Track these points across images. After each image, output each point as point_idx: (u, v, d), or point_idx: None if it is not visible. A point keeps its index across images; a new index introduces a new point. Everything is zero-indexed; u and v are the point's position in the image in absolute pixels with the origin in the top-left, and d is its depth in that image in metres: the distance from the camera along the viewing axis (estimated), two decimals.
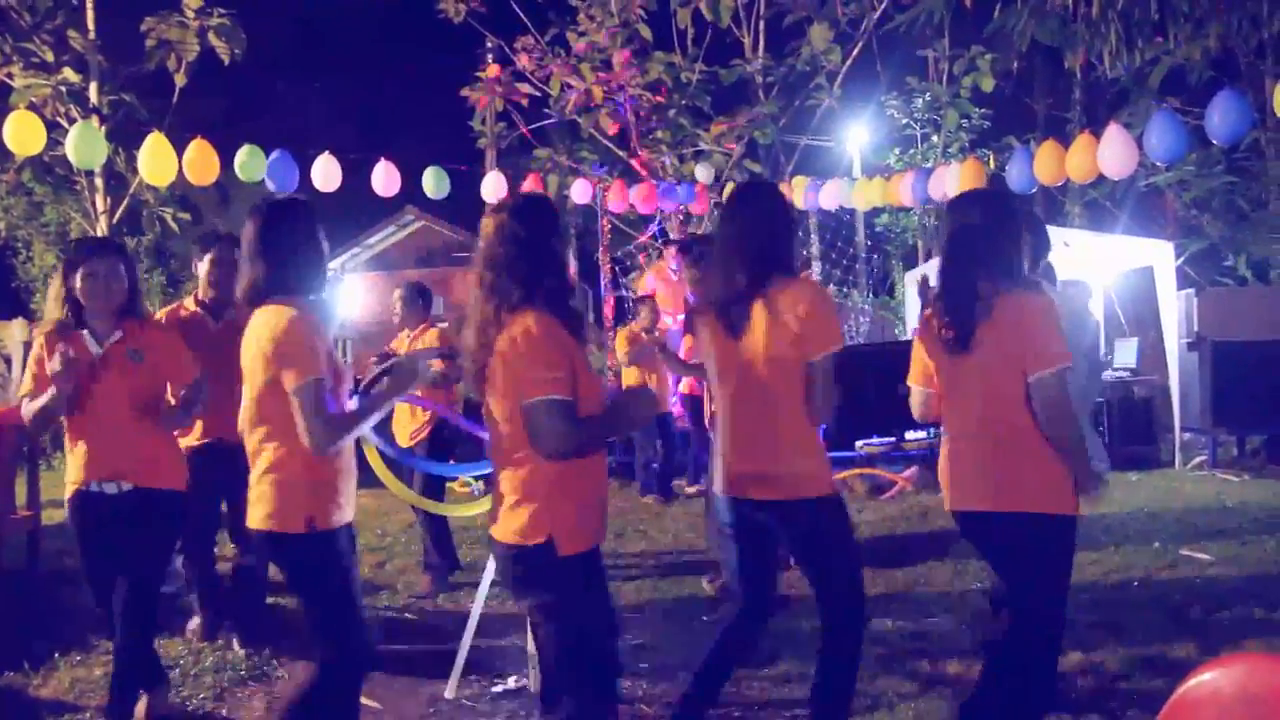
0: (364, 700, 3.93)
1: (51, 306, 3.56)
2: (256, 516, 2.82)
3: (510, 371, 2.49)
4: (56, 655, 4.38)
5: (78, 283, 3.45)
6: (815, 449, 2.99)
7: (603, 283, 12.08)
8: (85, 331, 3.48)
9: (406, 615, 5.21)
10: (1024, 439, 2.83)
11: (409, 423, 5.65)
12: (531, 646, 3.96)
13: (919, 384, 3.19)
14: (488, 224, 2.67)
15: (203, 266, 4.53)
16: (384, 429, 5.71)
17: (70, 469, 3.51)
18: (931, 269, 3.85)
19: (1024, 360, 2.80)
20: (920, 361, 3.16)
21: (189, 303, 4.64)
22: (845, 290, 15.05)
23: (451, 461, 5.85)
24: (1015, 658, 2.94)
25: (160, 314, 4.64)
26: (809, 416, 2.91)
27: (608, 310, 11.98)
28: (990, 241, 2.89)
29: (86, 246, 3.73)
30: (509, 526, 2.56)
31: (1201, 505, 7.33)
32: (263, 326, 2.76)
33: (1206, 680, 2.11)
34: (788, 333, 2.87)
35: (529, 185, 10.99)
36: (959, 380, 2.97)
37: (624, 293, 11.83)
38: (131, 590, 3.46)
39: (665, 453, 8.41)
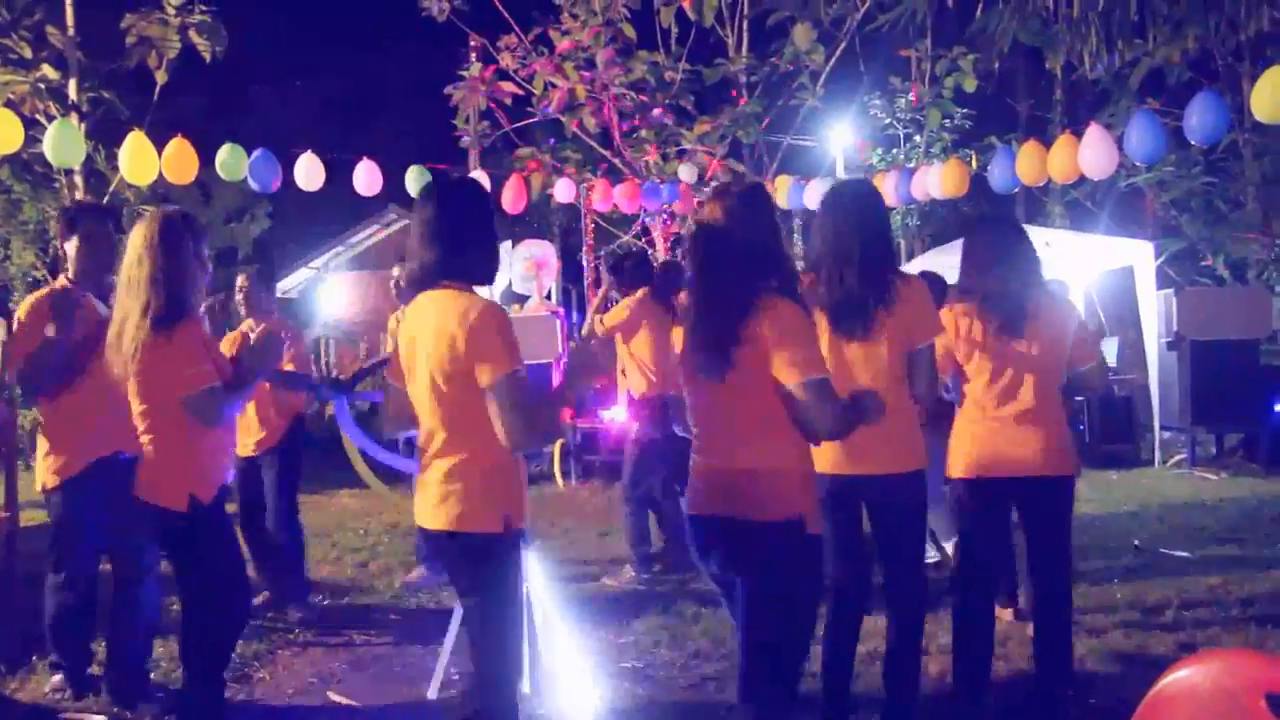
0: (345, 700, 3.94)
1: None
2: (444, 517, 2.58)
3: (775, 355, 2.44)
4: (34, 659, 4.34)
5: (75, 246, 3.38)
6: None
7: (586, 282, 12.08)
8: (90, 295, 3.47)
9: (390, 615, 5.19)
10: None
11: None
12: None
13: None
14: (714, 208, 2.61)
15: (71, 245, 3.75)
16: (368, 425, 5.70)
17: (71, 446, 3.51)
18: (914, 267, 4.01)
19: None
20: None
21: (60, 284, 3.87)
22: None
23: None
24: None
25: (27, 302, 3.84)
26: (918, 400, 3.14)
27: (590, 309, 11.97)
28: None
29: (82, 208, 3.72)
30: (454, 513, 2.57)
31: (1180, 503, 7.40)
32: (449, 314, 2.52)
33: (1183, 676, 2.13)
34: (903, 329, 3.04)
35: (512, 185, 10.97)
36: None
37: (611, 292, 11.84)
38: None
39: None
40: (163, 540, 3.22)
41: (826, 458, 3.01)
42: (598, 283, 12.05)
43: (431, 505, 2.61)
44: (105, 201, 10.10)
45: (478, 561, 2.59)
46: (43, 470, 3.82)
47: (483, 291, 2.69)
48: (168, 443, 3.08)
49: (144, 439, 3.09)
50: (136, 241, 3.06)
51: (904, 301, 3.05)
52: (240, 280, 5.28)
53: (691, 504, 2.69)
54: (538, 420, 2.52)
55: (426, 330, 2.57)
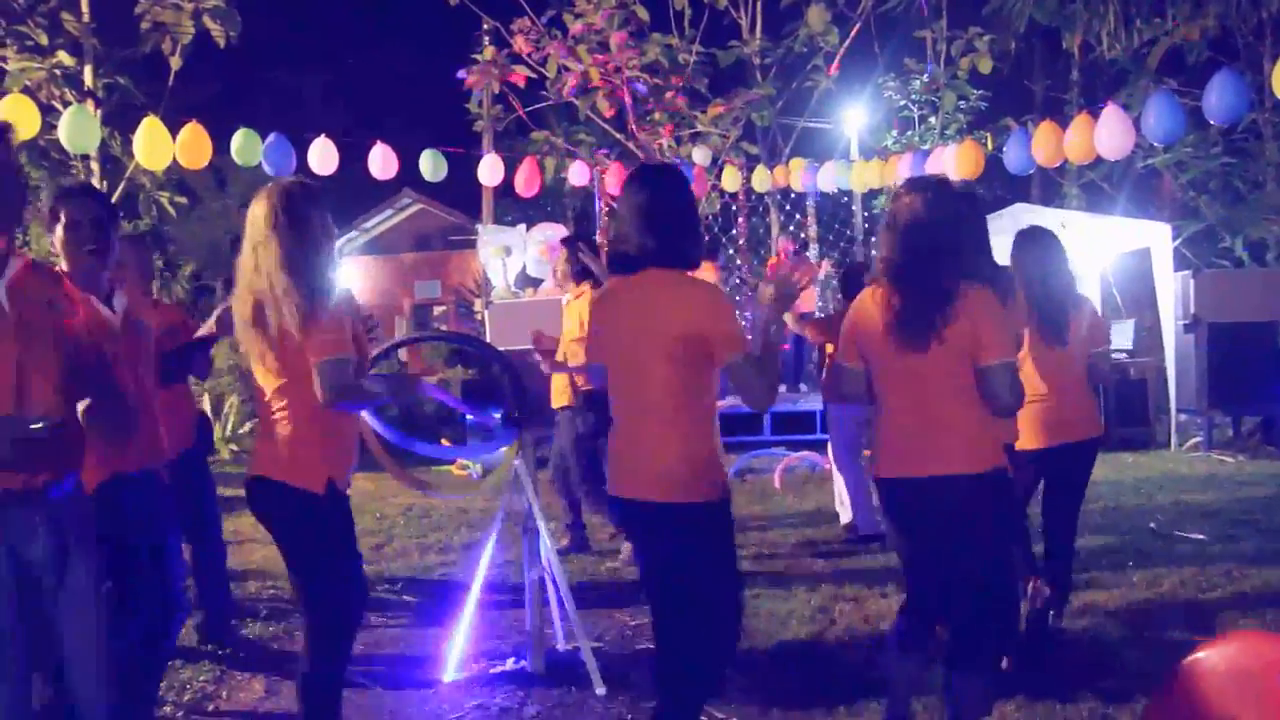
0: (362, 682, 3.97)
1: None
2: (663, 489, 2.65)
3: (979, 335, 2.76)
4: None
5: (60, 239, 3.07)
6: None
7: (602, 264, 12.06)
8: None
9: (405, 597, 5.23)
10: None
11: None
12: (533, 628, 3.99)
13: None
14: (915, 201, 2.86)
15: (58, 231, 3.14)
16: (384, 411, 5.71)
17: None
18: None
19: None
20: None
21: None
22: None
23: (444, 444, 5.86)
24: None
25: None
26: (997, 413, 2.90)
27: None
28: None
29: (66, 192, 3.27)
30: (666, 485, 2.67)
31: (1197, 486, 7.37)
32: (689, 298, 2.65)
33: (1201, 658, 2.13)
34: (970, 340, 2.79)
35: (525, 168, 10.97)
36: None
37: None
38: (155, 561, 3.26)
39: None
40: (289, 523, 2.96)
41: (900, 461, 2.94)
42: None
43: (647, 476, 2.68)
44: (121, 187, 10.16)
45: (689, 531, 2.66)
46: None
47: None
48: (308, 422, 2.86)
49: (279, 418, 2.88)
50: (259, 217, 2.85)
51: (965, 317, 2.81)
52: None
53: (884, 467, 2.93)
54: (775, 381, 2.74)
55: (647, 311, 2.68)
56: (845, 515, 6.07)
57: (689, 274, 2.74)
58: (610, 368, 2.83)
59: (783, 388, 10.47)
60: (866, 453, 8.09)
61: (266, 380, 2.88)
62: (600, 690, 3.76)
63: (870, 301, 2.95)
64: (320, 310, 2.78)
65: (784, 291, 2.74)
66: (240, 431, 10.71)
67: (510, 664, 4.09)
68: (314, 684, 2.93)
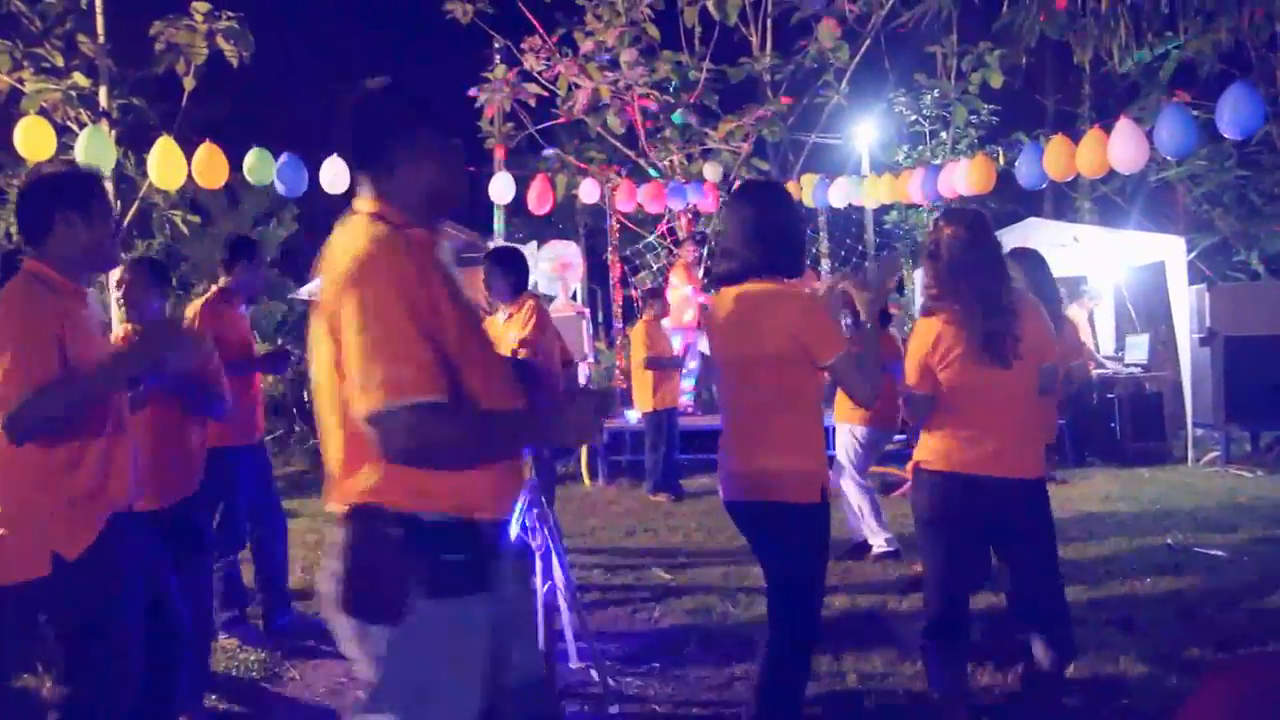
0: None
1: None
2: (782, 490, 2.82)
3: (1044, 347, 3.23)
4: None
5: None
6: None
7: (612, 281, 12.09)
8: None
9: None
10: None
11: None
12: (545, 645, 3.96)
13: None
14: (959, 231, 3.18)
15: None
16: None
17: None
18: None
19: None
20: None
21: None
22: None
23: None
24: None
25: None
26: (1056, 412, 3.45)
27: (616, 309, 12.01)
28: None
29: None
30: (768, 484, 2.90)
31: (1214, 501, 7.30)
32: (787, 305, 2.84)
33: (1222, 679, 2.09)
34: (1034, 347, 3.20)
35: (537, 186, 11.00)
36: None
37: (633, 291, 11.86)
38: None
39: (668, 451, 8.34)
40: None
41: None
42: (623, 282, 12.06)
43: (742, 477, 2.90)
44: (135, 207, 10.22)
45: (786, 530, 2.86)
46: None
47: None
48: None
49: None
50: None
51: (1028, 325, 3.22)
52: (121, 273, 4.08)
53: (976, 465, 3.15)
54: (877, 377, 2.94)
55: (751, 320, 2.86)
56: (875, 540, 5.93)
57: (788, 283, 2.90)
58: (719, 375, 3.03)
59: None
60: (875, 469, 8.06)
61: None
62: (613, 709, 3.73)
63: (933, 329, 3.20)
64: None
65: (877, 294, 3.02)
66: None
67: None
68: None
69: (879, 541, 5.85)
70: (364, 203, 2.03)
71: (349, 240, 1.94)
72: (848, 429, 5.91)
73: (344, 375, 1.84)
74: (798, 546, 2.85)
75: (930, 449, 3.26)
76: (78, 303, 2.59)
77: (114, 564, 2.61)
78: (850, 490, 5.96)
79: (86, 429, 2.55)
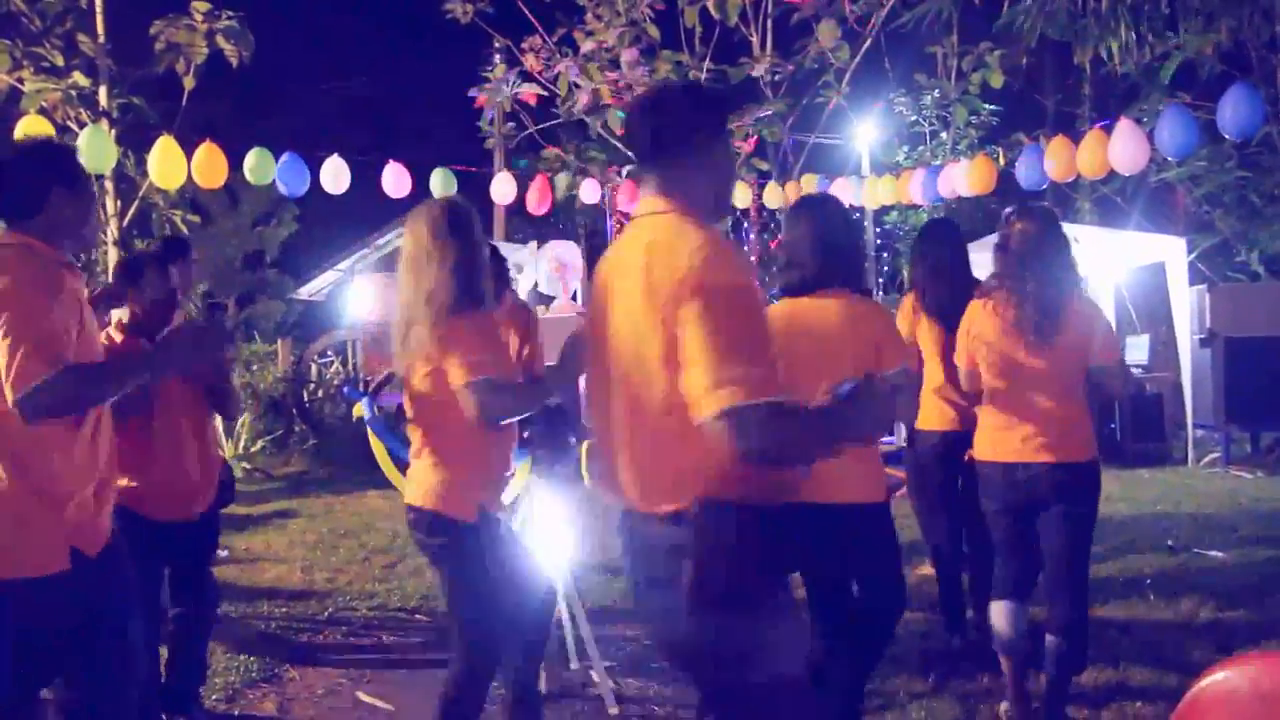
0: (376, 701, 3.95)
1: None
2: (839, 492, 2.90)
3: (1089, 339, 3.31)
4: None
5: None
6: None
7: None
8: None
9: (417, 616, 5.21)
10: None
11: None
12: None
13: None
14: (1027, 226, 3.37)
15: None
16: (398, 428, 5.69)
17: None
18: None
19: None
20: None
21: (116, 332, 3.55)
22: None
23: None
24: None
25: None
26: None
27: None
28: None
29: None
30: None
31: (1215, 503, 7.29)
32: (859, 314, 3.00)
33: (1220, 680, 2.09)
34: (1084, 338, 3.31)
35: (537, 186, 11.00)
36: None
37: None
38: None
39: None
40: (443, 553, 2.87)
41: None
42: None
43: (836, 481, 2.86)
44: (134, 207, 10.22)
45: (869, 534, 3.03)
46: None
47: None
48: (459, 448, 2.82)
49: (429, 444, 2.85)
50: (421, 232, 2.83)
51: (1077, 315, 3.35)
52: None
53: (1017, 451, 3.28)
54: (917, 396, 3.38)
55: (822, 330, 2.97)
56: None
57: (849, 295, 3.02)
58: (788, 383, 3.00)
59: None
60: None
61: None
62: (613, 710, 3.73)
63: (980, 309, 3.42)
64: (471, 321, 2.79)
65: None
66: (252, 450, 10.74)
67: None
68: (453, 711, 2.97)
69: None
70: (660, 201, 2.05)
71: (670, 238, 1.95)
72: None
73: (677, 373, 1.85)
74: (871, 544, 3.04)
75: (977, 441, 3.47)
76: (75, 277, 2.43)
77: (125, 561, 2.56)
78: None
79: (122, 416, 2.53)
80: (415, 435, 2.88)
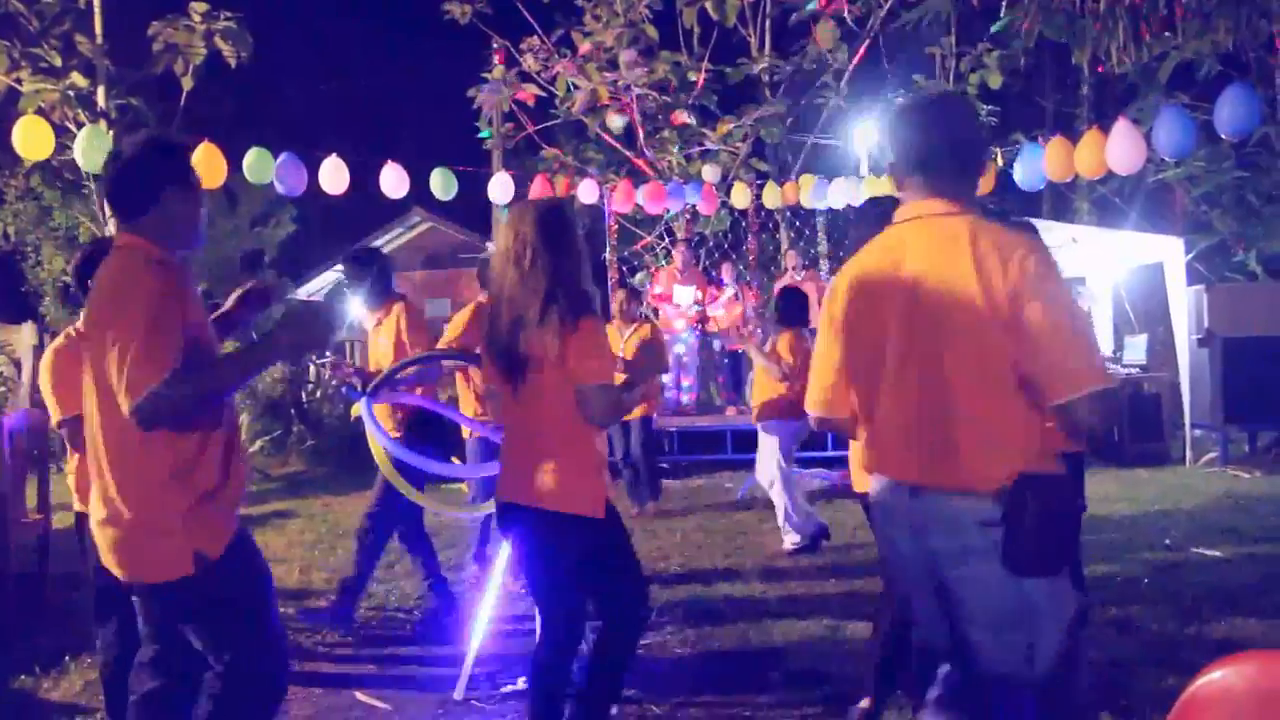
0: (375, 701, 3.95)
1: None
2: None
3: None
4: (66, 658, 4.39)
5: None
6: None
7: (610, 282, 12.07)
8: None
9: (416, 615, 5.20)
10: None
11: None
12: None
13: None
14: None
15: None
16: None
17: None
18: None
19: None
20: None
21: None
22: None
23: (455, 460, 5.82)
24: None
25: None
26: None
27: (615, 309, 11.96)
28: None
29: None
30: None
31: (1213, 502, 7.30)
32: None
33: (1218, 678, 2.09)
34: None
35: (535, 186, 11.00)
36: None
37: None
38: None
39: (647, 453, 7.94)
40: (572, 552, 2.90)
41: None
42: (621, 283, 12.05)
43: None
44: None
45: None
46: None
47: None
48: (577, 447, 2.85)
49: (548, 445, 2.86)
50: (524, 235, 2.82)
51: None
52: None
53: None
54: None
55: None
56: (793, 538, 5.98)
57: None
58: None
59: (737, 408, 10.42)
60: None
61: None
62: (612, 710, 3.72)
63: None
64: (580, 326, 2.80)
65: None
66: (251, 450, 10.73)
67: (521, 683, 4.05)
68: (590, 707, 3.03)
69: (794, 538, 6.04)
70: (939, 204, 2.24)
71: (995, 237, 2.15)
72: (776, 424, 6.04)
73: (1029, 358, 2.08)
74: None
75: None
76: (186, 278, 2.38)
77: (256, 555, 2.55)
78: (786, 491, 5.99)
79: (208, 422, 2.39)
80: (518, 437, 2.92)
